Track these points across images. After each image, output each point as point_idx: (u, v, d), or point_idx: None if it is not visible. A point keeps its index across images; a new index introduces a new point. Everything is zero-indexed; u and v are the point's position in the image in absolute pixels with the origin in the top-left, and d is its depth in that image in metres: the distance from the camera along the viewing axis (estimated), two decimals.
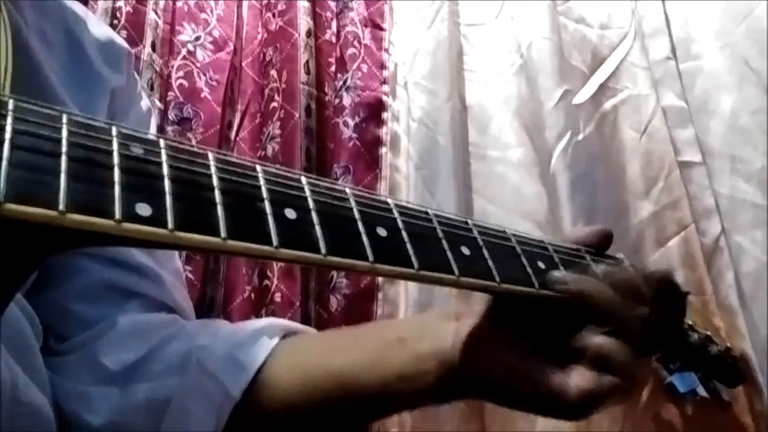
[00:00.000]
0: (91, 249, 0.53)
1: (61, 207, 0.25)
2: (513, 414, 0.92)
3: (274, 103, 1.07)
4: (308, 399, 0.48)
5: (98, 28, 0.61)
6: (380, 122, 1.08)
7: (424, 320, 0.50)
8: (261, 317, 0.95)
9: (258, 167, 0.32)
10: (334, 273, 0.98)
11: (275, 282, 0.96)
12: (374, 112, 1.07)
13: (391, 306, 0.98)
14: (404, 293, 0.98)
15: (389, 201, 0.37)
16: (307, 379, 0.49)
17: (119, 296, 0.54)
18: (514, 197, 1.04)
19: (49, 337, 0.51)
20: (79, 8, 0.60)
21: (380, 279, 0.97)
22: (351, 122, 1.06)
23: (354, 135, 1.05)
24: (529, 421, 0.92)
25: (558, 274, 0.42)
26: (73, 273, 0.53)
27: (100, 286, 0.54)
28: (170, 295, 0.58)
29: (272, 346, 0.52)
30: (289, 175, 0.33)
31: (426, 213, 0.38)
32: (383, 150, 1.06)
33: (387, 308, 0.98)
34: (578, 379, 0.40)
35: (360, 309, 0.97)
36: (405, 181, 1.04)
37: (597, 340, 0.41)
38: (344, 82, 1.08)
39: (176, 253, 0.67)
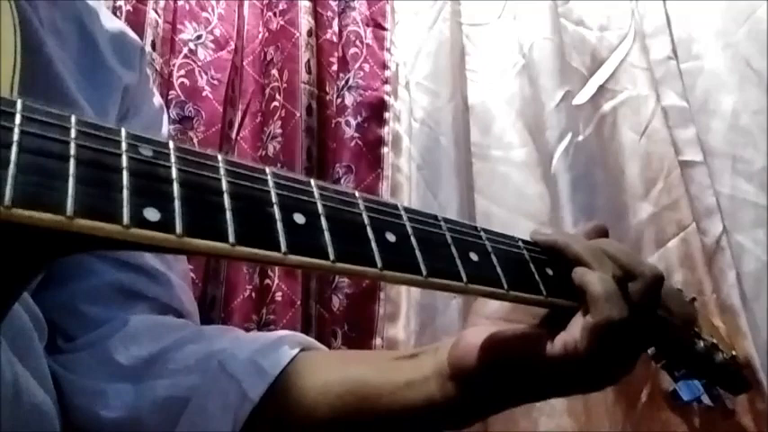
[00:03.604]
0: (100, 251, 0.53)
1: (69, 212, 0.25)
2: (516, 414, 0.92)
3: (275, 103, 1.06)
4: (325, 405, 0.49)
5: (110, 22, 0.60)
6: (382, 122, 1.07)
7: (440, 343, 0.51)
8: (262, 316, 0.95)
9: (267, 171, 0.32)
10: None
11: (276, 281, 0.96)
12: (376, 111, 1.07)
13: (393, 306, 0.98)
14: (405, 294, 0.98)
15: (399, 205, 0.36)
16: (324, 386, 0.50)
17: (127, 298, 0.55)
18: (517, 197, 1.03)
19: (56, 336, 0.52)
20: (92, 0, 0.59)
21: None
22: (353, 122, 1.05)
23: (356, 135, 1.05)
24: (531, 421, 0.92)
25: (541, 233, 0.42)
26: (82, 273, 0.53)
27: (109, 288, 0.54)
28: (177, 299, 0.58)
29: (293, 355, 0.52)
30: (298, 178, 0.33)
31: (436, 218, 0.37)
32: (385, 150, 1.06)
33: (389, 308, 0.97)
34: (576, 325, 0.39)
35: (361, 308, 0.97)
36: (406, 181, 1.04)
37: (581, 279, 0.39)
38: (346, 82, 1.08)
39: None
